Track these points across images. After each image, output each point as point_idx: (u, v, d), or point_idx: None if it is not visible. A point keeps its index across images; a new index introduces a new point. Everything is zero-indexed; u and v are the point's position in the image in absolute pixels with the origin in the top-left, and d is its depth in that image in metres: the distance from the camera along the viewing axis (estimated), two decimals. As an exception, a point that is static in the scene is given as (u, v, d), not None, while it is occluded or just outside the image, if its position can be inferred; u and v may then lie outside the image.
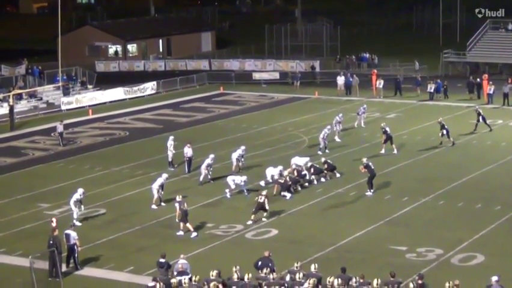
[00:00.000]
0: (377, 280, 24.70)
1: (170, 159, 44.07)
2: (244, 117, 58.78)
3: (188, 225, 33.47)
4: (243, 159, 42.98)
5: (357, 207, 37.04)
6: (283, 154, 45.87)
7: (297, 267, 26.00)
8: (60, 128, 50.65)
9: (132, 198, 39.01)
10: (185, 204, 33.65)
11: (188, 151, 42.86)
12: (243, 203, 37.51)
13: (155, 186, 37.31)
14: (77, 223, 34.39)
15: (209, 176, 40.80)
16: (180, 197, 34.16)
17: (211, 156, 41.04)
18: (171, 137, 44.94)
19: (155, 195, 37.27)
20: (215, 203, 37.96)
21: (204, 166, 40.72)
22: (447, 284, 24.09)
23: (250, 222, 34.56)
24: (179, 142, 45.07)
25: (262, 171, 41.25)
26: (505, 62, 76.55)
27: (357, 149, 47.23)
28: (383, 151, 46.25)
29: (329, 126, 47.88)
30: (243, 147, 43.32)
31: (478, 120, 51.32)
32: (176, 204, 33.68)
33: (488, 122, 51.52)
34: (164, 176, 38.00)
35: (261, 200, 34.87)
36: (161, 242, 32.16)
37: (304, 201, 37.56)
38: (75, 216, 35.09)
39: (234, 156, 42.86)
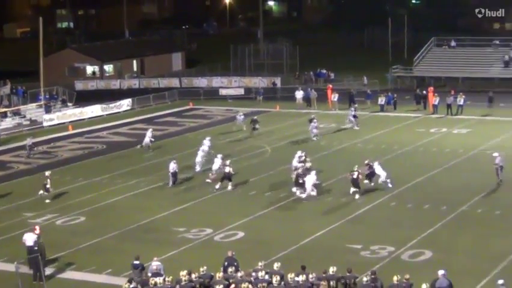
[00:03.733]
0: (333, 268, 25.38)
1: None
2: (212, 130, 58.65)
3: None
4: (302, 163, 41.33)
5: (317, 208, 37.01)
6: (247, 164, 45.90)
7: (261, 266, 25.97)
8: (29, 142, 51.03)
9: (112, 205, 38.75)
10: None
11: (173, 166, 42.08)
12: (212, 207, 37.51)
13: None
14: None
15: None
16: None
17: (207, 137, 43.92)
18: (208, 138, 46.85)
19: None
20: (188, 208, 37.84)
21: (199, 154, 42.22)
22: (395, 278, 24.56)
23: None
24: (155, 153, 44.82)
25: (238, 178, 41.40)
26: (448, 76, 77.22)
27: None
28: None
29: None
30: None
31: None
32: None
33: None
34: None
35: (354, 176, 37.99)
36: (138, 246, 31.88)
37: (269, 205, 37.57)
38: None
39: (294, 162, 41.39)
